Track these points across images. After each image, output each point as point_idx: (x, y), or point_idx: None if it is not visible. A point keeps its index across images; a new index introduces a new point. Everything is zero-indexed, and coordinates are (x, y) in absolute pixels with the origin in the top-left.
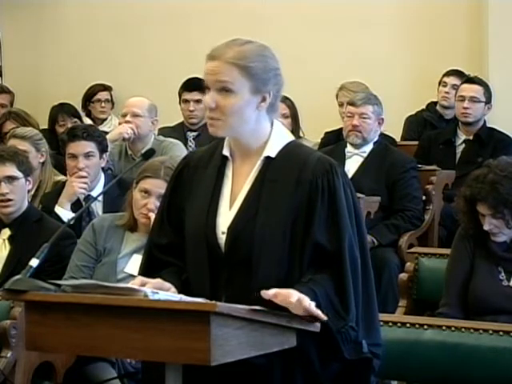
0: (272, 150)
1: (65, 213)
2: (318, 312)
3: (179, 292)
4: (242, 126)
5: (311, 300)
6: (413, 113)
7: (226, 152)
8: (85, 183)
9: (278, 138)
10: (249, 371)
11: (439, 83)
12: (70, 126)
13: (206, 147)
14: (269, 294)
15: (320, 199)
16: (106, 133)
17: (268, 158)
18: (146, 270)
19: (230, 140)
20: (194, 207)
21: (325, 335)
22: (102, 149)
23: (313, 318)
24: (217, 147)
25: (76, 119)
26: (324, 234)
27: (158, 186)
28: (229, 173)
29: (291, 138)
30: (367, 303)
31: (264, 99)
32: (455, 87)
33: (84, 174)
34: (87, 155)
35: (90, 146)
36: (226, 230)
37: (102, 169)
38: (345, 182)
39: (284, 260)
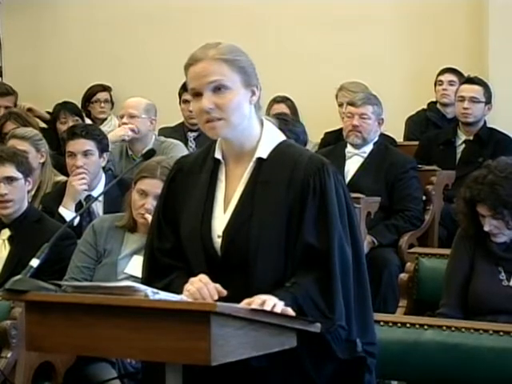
0: (263, 151)
1: (69, 213)
2: (288, 312)
3: None
4: (241, 123)
5: (291, 305)
6: (413, 113)
7: (218, 155)
8: (84, 179)
9: (269, 139)
10: (247, 371)
11: (435, 84)
12: (71, 124)
13: (198, 151)
14: (243, 304)
15: (311, 199)
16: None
17: (260, 159)
18: (150, 274)
19: (221, 143)
20: (188, 212)
21: (316, 336)
22: (102, 148)
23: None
24: (209, 151)
25: (78, 118)
26: (313, 234)
27: (155, 185)
28: (222, 176)
29: (282, 137)
30: (361, 302)
31: (254, 93)
32: (452, 83)
33: (82, 170)
34: (85, 153)
35: (88, 145)
36: (221, 234)
37: (103, 169)
38: (337, 180)
39: (280, 261)
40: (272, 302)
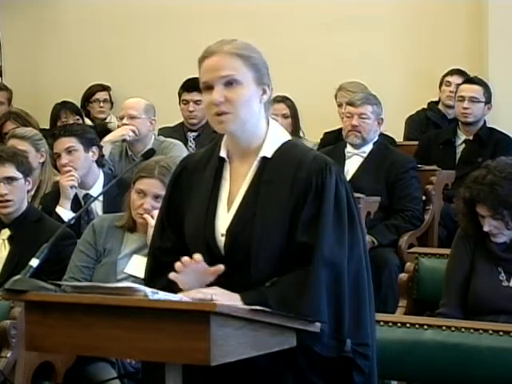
0: (268, 151)
1: (66, 213)
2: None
3: None
4: (249, 120)
5: (261, 305)
6: (413, 112)
7: (223, 154)
8: (71, 175)
9: (274, 138)
10: (247, 371)
11: (441, 83)
12: (71, 122)
13: (203, 149)
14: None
15: (311, 198)
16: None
17: (264, 158)
18: (152, 274)
19: (227, 141)
20: (193, 210)
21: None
22: (87, 142)
23: None
24: (214, 149)
25: (78, 116)
26: (305, 233)
27: (153, 185)
28: (226, 174)
29: (287, 137)
30: (356, 303)
31: (265, 92)
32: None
33: (68, 168)
34: (68, 150)
35: (69, 142)
36: (224, 233)
37: (97, 163)
38: (339, 180)
39: (281, 261)
40: (201, 296)
